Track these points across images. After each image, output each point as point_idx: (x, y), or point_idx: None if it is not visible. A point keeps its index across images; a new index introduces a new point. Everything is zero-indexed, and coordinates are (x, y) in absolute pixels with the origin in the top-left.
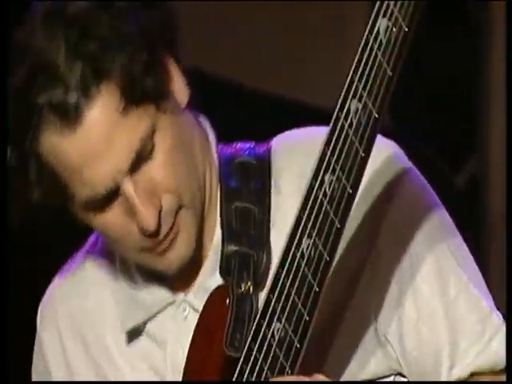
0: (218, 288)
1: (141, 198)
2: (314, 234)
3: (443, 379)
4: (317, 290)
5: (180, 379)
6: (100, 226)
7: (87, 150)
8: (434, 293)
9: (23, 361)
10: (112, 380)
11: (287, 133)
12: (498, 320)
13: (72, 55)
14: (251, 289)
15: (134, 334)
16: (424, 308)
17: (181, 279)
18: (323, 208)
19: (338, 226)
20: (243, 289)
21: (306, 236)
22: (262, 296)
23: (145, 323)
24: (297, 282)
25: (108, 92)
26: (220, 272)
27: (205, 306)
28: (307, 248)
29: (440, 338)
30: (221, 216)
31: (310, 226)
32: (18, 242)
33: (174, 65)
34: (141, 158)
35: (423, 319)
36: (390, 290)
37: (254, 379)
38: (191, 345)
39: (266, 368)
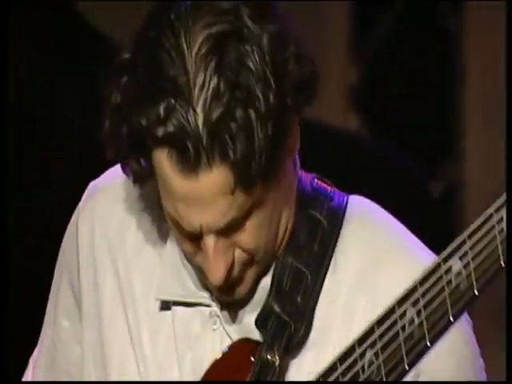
0: (247, 340)
1: (216, 253)
2: (380, 357)
3: None
4: None
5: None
6: (173, 233)
7: (194, 195)
8: None
9: (23, 360)
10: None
11: (366, 204)
12: None
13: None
14: (277, 361)
15: (163, 304)
16: None
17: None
18: (397, 340)
19: (406, 367)
20: (270, 357)
21: (371, 350)
22: (290, 370)
23: (176, 304)
24: None
25: (227, 170)
26: (256, 322)
27: (230, 348)
28: (369, 364)
29: None
30: (275, 267)
31: (379, 346)
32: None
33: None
34: (233, 224)
35: None
36: None
37: None
38: (204, 377)
39: None
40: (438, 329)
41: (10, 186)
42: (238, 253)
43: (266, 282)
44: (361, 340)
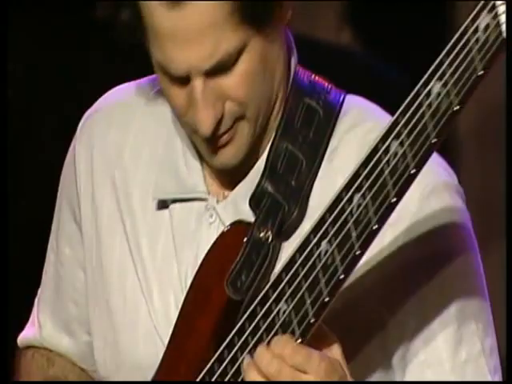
0: (241, 222)
1: (205, 100)
2: (368, 196)
3: None
4: (358, 253)
5: (183, 293)
6: (165, 90)
7: (180, 30)
8: (447, 346)
9: None
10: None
11: (364, 101)
12: None
13: None
14: (270, 238)
15: (160, 204)
16: (433, 355)
17: (219, 184)
18: (384, 175)
19: (393, 200)
20: (263, 235)
21: (359, 194)
22: (283, 250)
23: (173, 201)
24: (340, 238)
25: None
26: (249, 202)
27: (222, 234)
28: (358, 207)
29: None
30: (270, 149)
31: (366, 186)
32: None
33: None
34: (220, 67)
35: (429, 363)
36: (408, 325)
37: (264, 327)
38: (199, 270)
39: (282, 317)
40: (421, 154)
41: (9, 186)
42: (229, 106)
43: (260, 164)
44: (347, 185)
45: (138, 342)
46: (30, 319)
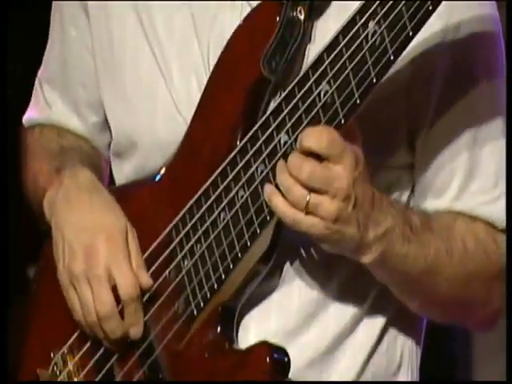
0: (272, 1)
1: None
2: (383, 25)
3: (445, 205)
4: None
5: (206, 73)
6: None
7: None
8: (469, 122)
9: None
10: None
11: None
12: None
13: None
14: (303, 15)
15: None
16: (453, 129)
17: None
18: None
19: (410, 33)
20: (296, 13)
21: (374, 21)
22: (316, 31)
23: None
24: (355, 61)
25: None
26: None
27: (253, 12)
28: (373, 34)
29: (457, 163)
30: None
31: (381, 14)
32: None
33: None
34: None
35: (449, 137)
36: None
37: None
38: (226, 48)
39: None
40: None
41: (10, 187)
42: None
43: None
44: (361, 11)
45: (157, 120)
46: (32, 101)
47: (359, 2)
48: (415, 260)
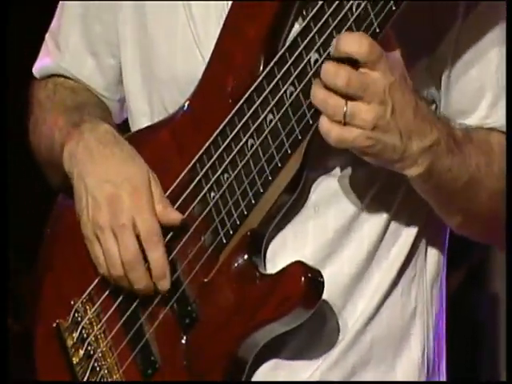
0: None
1: None
2: None
3: (475, 124)
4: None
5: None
6: None
7: None
8: (494, 45)
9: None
10: None
11: None
12: None
13: None
14: None
15: None
16: (479, 48)
17: None
18: None
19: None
20: None
21: None
22: None
23: None
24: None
25: None
26: None
27: None
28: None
29: (484, 82)
30: None
31: None
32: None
33: None
34: None
35: (475, 56)
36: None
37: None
38: None
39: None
40: None
41: (10, 187)
42: None
43: None
44: None
45: (176, 53)
46: (43, 50)
47: None
48: (459, 172)
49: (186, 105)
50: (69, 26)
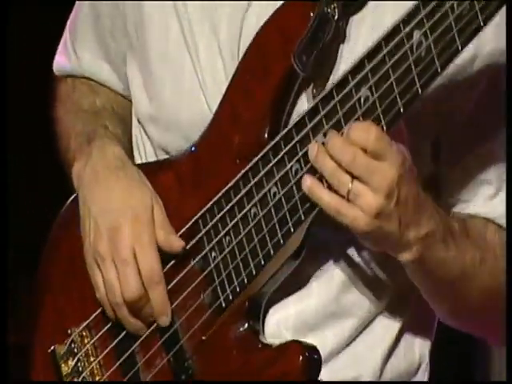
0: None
1: None
2: (430, 37)
3: (471, 212)
4: (419, 92)
5: (232, 58)
6: None
7: None
8: (498, 138)
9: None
10: None
11: None
12: None
13: None
14: (337, 12)
15: None
16: (482, 139)
17: None
18: (448, 17)
19: (460, 47)
20: (330, 10)
21: (420, 31)
22: (351, 29)
23: None
24: (400, 70)
25: None
26: None
27: (288, 4)
28: (418, 44)
29: (486, 174)
30: None
31: (428, 26)
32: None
33: None
34: None
35: (477, 148)
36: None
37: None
38: (258, 36)
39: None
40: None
41: (10, 186)
42: None
43: None
44: (407, 19)
45: (182, 96)
46: (62, 45)
47: (395, 1)
48: (452, 266)
49: (193, 149)
50: (82, 33)
